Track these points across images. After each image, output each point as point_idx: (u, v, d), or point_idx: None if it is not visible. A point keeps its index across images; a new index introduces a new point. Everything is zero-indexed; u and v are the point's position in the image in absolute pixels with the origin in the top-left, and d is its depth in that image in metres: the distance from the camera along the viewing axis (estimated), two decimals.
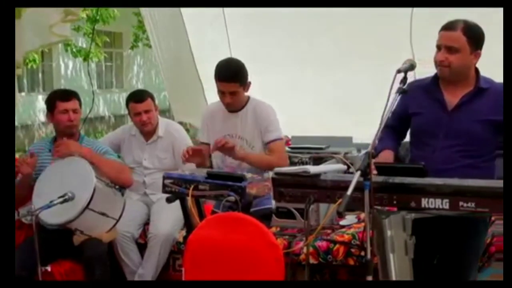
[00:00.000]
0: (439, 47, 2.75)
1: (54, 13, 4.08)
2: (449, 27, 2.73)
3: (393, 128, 2.94)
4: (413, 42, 4.46)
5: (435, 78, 2.85)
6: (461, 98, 2.76)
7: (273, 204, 3.38)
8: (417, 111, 2.86)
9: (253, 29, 5.16)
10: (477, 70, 2.79)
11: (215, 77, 3.37)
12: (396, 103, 2.50)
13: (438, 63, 2.76)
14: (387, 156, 2.86)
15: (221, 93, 3.37)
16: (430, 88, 2.84)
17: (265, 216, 3.29)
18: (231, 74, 3.34)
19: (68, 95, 3.72)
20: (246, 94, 3.48)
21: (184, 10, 5.21)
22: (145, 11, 5.29)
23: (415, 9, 4.46)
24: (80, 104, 3.75)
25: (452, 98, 2.78)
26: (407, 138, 3.06)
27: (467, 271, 2.86)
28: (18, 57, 4.13)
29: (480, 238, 2.91)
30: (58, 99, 3.68)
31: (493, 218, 3.49)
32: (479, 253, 2.97)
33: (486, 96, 2.74)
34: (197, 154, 3.38)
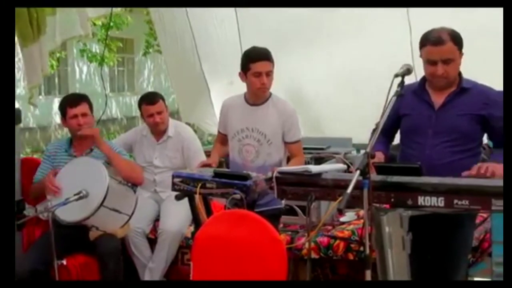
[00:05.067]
0: (434, 62, 2.73)
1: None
2: (439, 41, 2.71)
3: (384, 130, 2.94)
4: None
5: (422, 82, 2.88)
6: (446, 97, 2.80)
7: (282, 203, 3.29)
8: (407, 112, 2.89)
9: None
10: (459, 72, 2.83)
11: (247, 61, 3.17)
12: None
13: (435, 76, 2.76)
14: (379, 157, 2.84)
15: (257, 75, 3.14)
16: (418, 91, 2.87)
17: (273, 216, 3.16)
18: (267, 52, 3.18)
19: (77, 100, 3.66)
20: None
21: (190, 10, 5.16)
22: (154, 13, 5.23)
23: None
24: (91, 107, 3.68)
25: (438, 98, 2.82)
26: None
27: (455, 266, 2.83)
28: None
29: (467, 232, 2.88)
30: (68, 105, 3.62)
31: (486, 215, 3.49)
32: (467, 247, 2.94)
33: (468, 95, 2.78)
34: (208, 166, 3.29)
